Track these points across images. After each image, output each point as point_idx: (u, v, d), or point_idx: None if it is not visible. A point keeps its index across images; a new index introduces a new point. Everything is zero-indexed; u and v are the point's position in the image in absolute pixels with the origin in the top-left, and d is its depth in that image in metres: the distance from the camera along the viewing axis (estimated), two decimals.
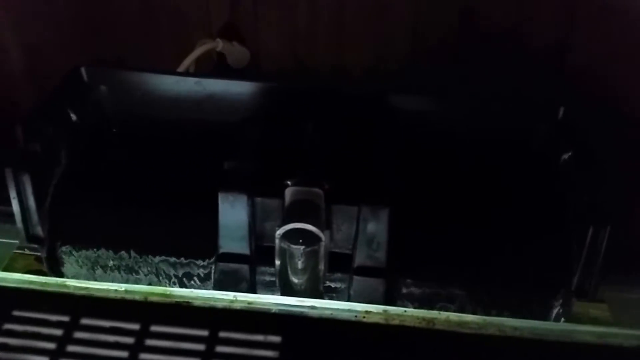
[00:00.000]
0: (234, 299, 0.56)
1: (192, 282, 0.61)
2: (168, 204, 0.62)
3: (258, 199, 0.57)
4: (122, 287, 0.56)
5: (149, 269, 0.61)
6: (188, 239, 0.61)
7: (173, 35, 0.82)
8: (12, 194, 0.57)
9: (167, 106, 0.65)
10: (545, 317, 0.59)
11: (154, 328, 0.51)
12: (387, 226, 0.56)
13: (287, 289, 0.58)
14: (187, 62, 0.77)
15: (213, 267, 0.60)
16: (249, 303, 0.55)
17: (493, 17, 0.75)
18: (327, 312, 0.54)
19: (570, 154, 0.62)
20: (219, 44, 0.80)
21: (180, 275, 0.61)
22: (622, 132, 0.72)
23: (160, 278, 0.61)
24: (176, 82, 0.65)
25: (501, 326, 0.54)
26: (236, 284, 0.59)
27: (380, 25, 0.79)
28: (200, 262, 0.60)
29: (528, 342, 0.52)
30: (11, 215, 0.61)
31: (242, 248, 0.59)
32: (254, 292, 0.60)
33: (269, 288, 0.60)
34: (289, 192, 0.57)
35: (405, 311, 0.54)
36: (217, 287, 0.60)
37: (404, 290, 0.59)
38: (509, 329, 0.54)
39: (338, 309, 0.55)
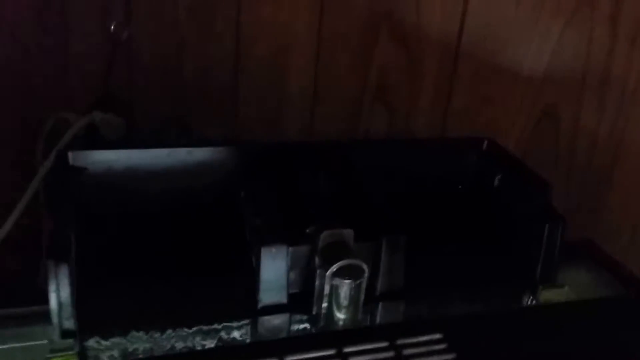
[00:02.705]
0: None
1: None
2: (186, 274, 0.62)
3: (299, 247, 0.61)
4: None
5: (184, 343, 0.60)
6: (216, 304, 0.62)
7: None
8: (52, 287, 0.54)
9: (162, 179, 0.66)
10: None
11: None
12: (405, 253, 0.64)
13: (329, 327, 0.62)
14: (68, 137, 0.72)
15: (249, 324, 0.61)
16: None
17: None
18: None
19: (500, 175, 0.76)
20: (98, 116, 0.75)
21: (216, 342, 0.61)
22: None
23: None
24: (167, 155, 0.67)
25: None
26: (276, 335, 0.62)
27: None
28: (235, 324, 0.61)
29: None
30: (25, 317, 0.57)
31: (281, 298, 0.61)
32: None
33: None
34: (323, 236, 0.61)
35: None
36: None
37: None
38: None
39: None
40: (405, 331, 0.49)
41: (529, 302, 0.71)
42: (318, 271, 0.61)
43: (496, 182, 0.75)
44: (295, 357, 0.46)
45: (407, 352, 0.47)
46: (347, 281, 0.60)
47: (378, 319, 0.65)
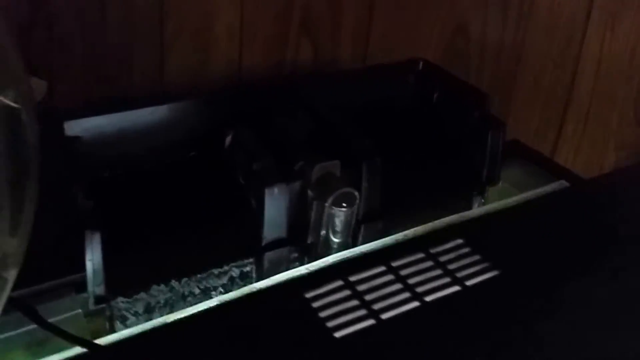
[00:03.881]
0: None
1: (235, 285, 0.65)
2: (188, 224, 0.65)
3: (294, 184, 0.65)
4: None
5: (199, 288, 0.64)
6: (222, 247, 0.65)
7: None
8: (88, 256, 0.55)
9: (148, 137, 0.68)
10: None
11: None
12: (381, 175, 0.70)
13: (328, 252, 0.67)
14: None
15: (254, 261, 0.65)
16: None
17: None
18: None
19: (437, 93, 0.83)
20: None
21: (226, 283, 0.65)
22: None
23: (211, 293, 0.64)
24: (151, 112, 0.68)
25: None
26: (278, 267, 0.66)
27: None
28: (240, 263, 0.65)
29: None
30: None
31: (281, 233, 0.66)
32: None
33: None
34: (315, 170, 0.66)
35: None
36: (262, 276, 0.65)
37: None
38: None
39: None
40: (433, 241, 0.55)
41: (480, 202, 0.80)
42: (315, 203, 0.65)
43: (436, 99, 0.82)
44: (356, 277, 0.51)
45: (442, 259, 0.54)
46: (344, 209, 0.65)
47: (361, 239, 0.71)
